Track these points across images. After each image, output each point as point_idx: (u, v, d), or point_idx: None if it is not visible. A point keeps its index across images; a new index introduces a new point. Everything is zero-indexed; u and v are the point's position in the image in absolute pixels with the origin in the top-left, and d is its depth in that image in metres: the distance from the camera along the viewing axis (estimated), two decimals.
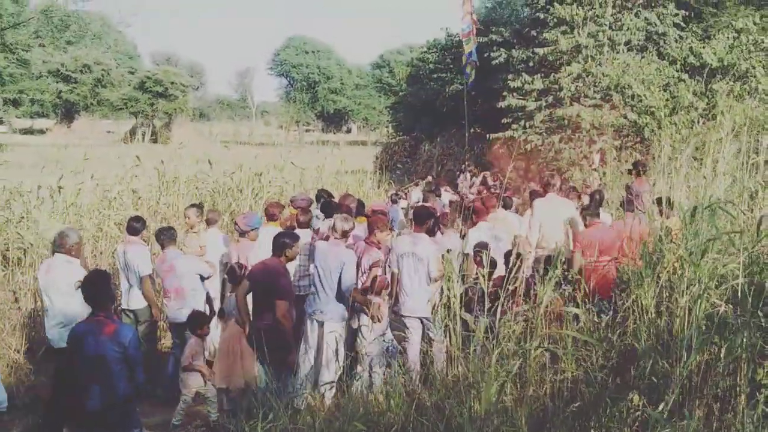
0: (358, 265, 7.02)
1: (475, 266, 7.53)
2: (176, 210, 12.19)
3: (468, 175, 17.94)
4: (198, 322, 6.89)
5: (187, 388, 6.80)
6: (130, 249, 7.61)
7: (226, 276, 7.26)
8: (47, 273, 6.69)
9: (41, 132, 55.91)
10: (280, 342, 6.34)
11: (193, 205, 9.24)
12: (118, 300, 7.69)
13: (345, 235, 6.93)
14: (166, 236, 7.67)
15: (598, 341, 4.83)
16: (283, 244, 6.50)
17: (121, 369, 4.89)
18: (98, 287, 5.02)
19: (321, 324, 6.74)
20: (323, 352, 6.72)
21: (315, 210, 9.89)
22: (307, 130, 72.06)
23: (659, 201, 7.13)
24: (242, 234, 7.87)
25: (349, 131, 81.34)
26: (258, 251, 7.72)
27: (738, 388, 3.98)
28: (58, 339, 6.42)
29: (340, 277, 6.65)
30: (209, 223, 8.93)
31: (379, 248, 7.11)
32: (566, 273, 5.48)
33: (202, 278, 7.73)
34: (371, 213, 8.33)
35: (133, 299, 7.69)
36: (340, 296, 6.69)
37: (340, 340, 6.71)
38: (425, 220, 7.42)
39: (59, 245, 6.77)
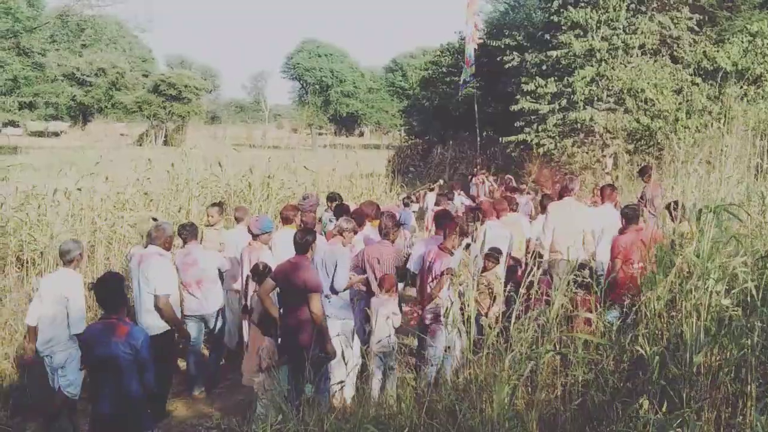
0: (430, 269, 7.01)
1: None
2: (188, 212, 12.26)
3: (482, 179, 17.86)
4: (272, 324, 6.87)
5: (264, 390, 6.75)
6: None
7: (250, 273, 7.31)
8: (139, 265, 6.89)
9: (56, 134, 56.14)
10: (308, 341, 6.28)
11: (214, 204, 9.59)
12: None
13: (341, 232, 7.07)
14: (188, 231, 7.84)
15: (609, 343, 4.81)
16: (306, 242, 6.49)
17: (132, 371, 4.90)
18: (111, 289, 5.03)
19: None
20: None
21: (328, 213, 9.94)
22: (320, 134, 72.10)
23: (674, 205, 7.04)
24: (255, 237, 7.90)
25: (361, 135, 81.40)
26: (272, 254, 7.76)
27: (748, 392, 3.96)
28: (152, 326, 6.66)
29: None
30: (237, 220, 9.18)
31: (452, 255, 7.00)
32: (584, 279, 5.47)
33: (220, 273, 7.97)
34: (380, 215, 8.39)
35: None
36: (336, 294, 6.78)
37: (346, 341, 6.72)
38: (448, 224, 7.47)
39: (154, 237, 6.98)
